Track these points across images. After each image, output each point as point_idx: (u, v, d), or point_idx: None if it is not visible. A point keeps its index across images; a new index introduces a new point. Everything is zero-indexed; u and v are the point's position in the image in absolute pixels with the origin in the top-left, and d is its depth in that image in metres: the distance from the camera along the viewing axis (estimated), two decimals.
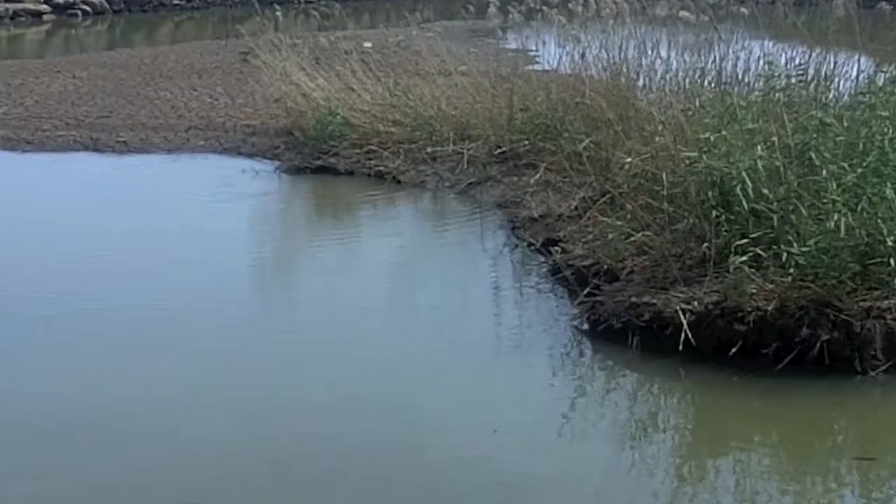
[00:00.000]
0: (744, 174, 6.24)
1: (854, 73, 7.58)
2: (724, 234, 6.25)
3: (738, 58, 8.28)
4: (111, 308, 6.84)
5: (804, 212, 6.05)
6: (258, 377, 5.83)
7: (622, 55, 9.22)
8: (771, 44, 8.56)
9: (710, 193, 6.42)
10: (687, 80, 8.51)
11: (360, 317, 6.68)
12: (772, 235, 6.11)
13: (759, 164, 6.30)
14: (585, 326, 6.35)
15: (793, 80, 7.24)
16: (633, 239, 6.76)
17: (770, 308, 5.80)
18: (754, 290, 5.91)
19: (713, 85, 8.18)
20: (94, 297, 7.04)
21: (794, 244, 5.93)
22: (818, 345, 5.69)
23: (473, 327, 6.46)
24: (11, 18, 24.93)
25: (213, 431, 5.25)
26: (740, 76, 8.19)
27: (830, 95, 7.47)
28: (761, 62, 7.89)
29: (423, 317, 6.72)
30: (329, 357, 6.09)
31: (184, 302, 6.88)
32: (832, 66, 7.63)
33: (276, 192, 10.17)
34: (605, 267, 6.73)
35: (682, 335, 5.84)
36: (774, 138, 6.44)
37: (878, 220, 5.88)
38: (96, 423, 5.33)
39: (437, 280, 7.45)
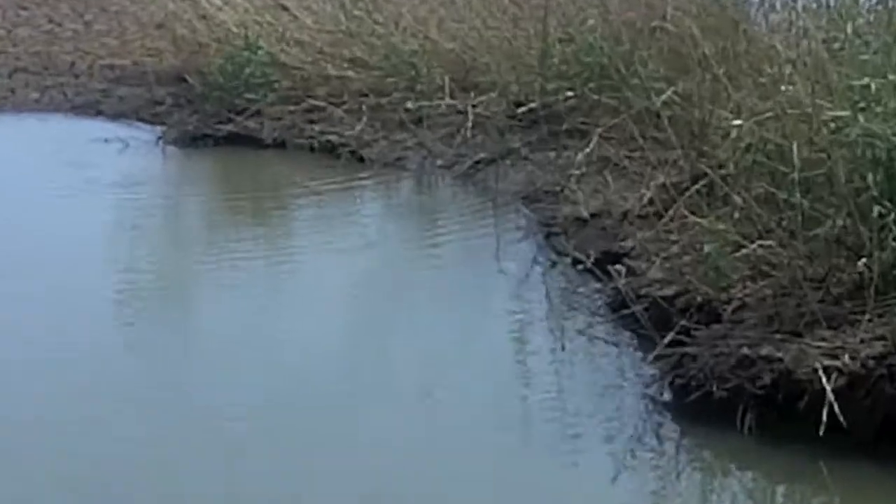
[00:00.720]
0: None
1: None
2: (894, 243, 6.34)
3: None
4: None
5: None
6: (134, 476, 5.88)
7: None
8: None
9: (870, 177, 6.51)
10: None
11: (300, 383, 6.72)
12: None
13: None
14: (667, 396, 6.44)
15: None
16: (744, 252, 6.85)
17: None
18: None
19: (875, 1, 8.28)
20: None
21: None
22: None
23: (487, 400, 6.52)
24: None
25: None
26: None
27: None
28: None
29: (406, 384, 6.77)
30: (253, 448, 6.12)
31: (9, 356, 6.95)
32: None
33: (159, 177, 10.26)
34: (700, 298, 6.81)
35: (826, 409, 5.92)
36: None
37: None
38: None
39: (425, 323, 7.54)
